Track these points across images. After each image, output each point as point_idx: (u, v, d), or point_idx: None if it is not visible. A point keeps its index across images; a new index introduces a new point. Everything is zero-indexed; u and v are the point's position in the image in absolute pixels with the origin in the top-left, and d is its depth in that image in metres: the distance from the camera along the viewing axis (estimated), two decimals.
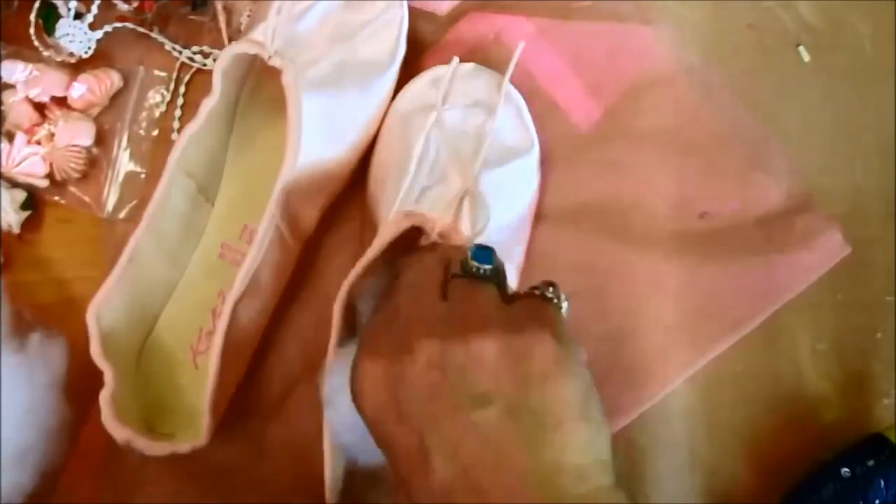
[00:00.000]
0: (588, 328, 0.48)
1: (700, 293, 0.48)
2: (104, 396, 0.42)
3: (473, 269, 0.36)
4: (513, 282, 0.46)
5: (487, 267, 0.36)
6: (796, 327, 0.49)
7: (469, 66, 0.47)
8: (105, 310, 0.43)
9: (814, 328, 0.49)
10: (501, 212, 0.44)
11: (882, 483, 0.45)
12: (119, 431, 0.41)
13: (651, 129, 0.50)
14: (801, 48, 0.52)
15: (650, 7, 0.52)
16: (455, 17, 0.51)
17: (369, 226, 0.46)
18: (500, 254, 0.42)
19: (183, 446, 0.42)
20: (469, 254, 0.36)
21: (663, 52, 0.51)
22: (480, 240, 0.41)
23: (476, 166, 0.44)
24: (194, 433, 0.42)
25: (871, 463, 0.46)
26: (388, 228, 0.41)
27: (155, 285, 0.47)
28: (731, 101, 0.51)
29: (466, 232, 0.42)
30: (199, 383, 0.45)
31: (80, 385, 0.45)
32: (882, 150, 0.51)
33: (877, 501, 0.45)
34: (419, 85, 0.47)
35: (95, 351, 0.43)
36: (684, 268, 0.49)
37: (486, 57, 0.50)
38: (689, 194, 0.50)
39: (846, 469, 0.46)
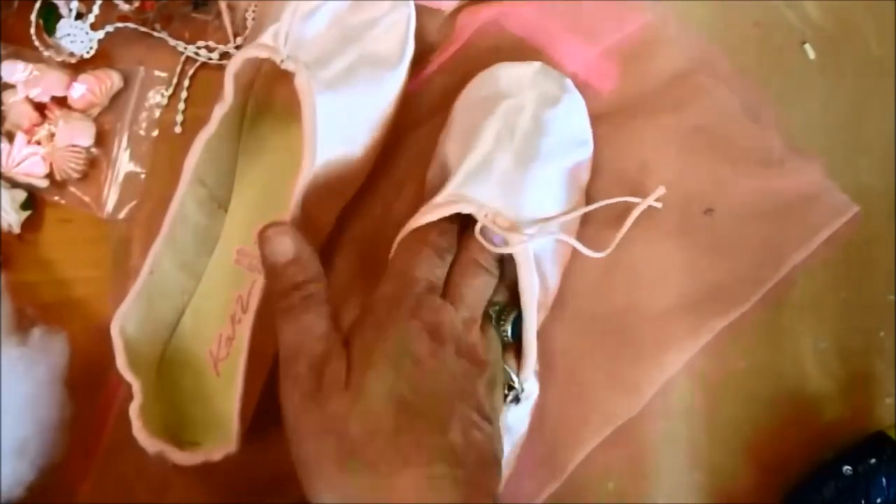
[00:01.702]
0: (592, 310, 0.48)
1: (704, 260, 0.48)
2: (134, 409, 0.42)
3: (501, 329, 0.40)
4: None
5: (509, 336, 0.40)
6: (799, 326, 0.49)
7: (536, 64, 0.47)
8: (127, 322, 0.43)
9: (816, 327, 0.49)
10: (555, 203, 0.44)
11: (884, 481, 0.45)
12: (151, 443, 0.41)
13: (654, 119, 0.50)
14: (807, 46, 0.52)
15: (654, 6, 0.51)
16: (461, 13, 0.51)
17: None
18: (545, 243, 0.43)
19: (215, 454, 0.41)
20: (512, 316, 0.40)
21: (667, 36, 0.51)
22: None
23: (537, 155, 0.44)
24: (220, 440, 0.42)
25: (873, 461, 0.46)
26: (431, 210, 0.41)
27: (172, 294, 0.46)
28: (737, 87, 0.50)
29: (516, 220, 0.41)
30: (221, 390, 0.45)
31: (79, 383, 0.45)
32: (886, 148, 0.51)
33: (879, 500, 0.45)
34: (488, 77, 0.47)
35: (122, 364, 0.42)
36: (687, 242, 0.48)
37: (497, 48, 0.50)
38: (694, 188, 0.49)
39: (848, 467, 0.46)
